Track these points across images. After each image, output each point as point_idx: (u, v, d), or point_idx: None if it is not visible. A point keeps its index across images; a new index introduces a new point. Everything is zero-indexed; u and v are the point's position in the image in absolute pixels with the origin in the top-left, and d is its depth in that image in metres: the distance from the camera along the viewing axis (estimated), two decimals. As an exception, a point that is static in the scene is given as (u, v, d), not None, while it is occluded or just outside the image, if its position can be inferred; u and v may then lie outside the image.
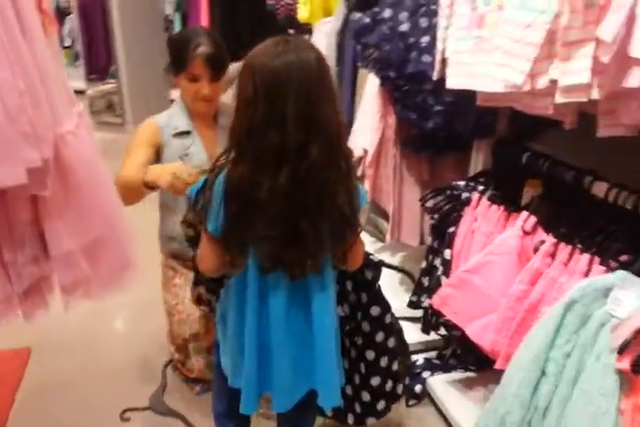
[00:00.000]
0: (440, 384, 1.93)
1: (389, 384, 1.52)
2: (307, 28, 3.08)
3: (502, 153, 1.79)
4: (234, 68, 1.78)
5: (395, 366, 1.51)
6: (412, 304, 1.96)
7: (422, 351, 2.10)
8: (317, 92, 1.06)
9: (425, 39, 1.78)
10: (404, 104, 1.96)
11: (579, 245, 1.36)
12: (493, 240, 1.61)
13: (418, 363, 2.01)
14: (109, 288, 1.41)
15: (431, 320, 1.86)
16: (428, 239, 1.94)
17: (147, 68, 4.79)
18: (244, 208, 1.11)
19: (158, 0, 4.95)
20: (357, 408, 1.53)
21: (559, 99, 1.22)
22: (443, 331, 1.88)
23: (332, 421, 1.64)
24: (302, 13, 3.04)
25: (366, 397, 1.51)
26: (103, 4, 5.28)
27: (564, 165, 1.52)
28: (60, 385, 2.04)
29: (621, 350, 1.07)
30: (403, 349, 1.61)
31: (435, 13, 1.67)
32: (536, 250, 1.45)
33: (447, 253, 1.77)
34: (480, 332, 1.56)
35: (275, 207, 1.09)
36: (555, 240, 1.41)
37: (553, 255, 1.41)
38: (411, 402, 1.92)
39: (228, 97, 1.96)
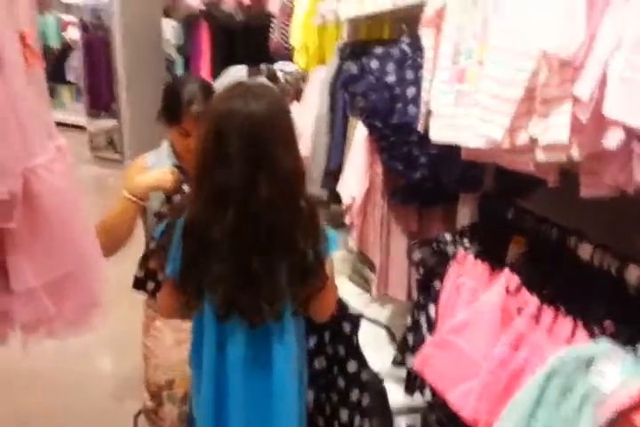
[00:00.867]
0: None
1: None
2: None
3: (488, 208, 1.74)
4: None
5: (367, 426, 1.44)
6: (396, 362, 1.86)
7: (407, 413, 1.99)
8: (267, 134, 1.07)
9: (411, 91, 1.79)
10: (391, 154, 1.94)
11: (562, 308, 1.29)
12: (478, 297, 1.55)
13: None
14: (75, 327, 1.34)
15: (415, 380, 1.77)
16: (416, 294, 1.87)
17: (147, 107, 4.85)
18: (198, 248, 1.11)
19: (161, 41, 5.10)
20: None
21: (540, 156, 1.19)
22: (428, 394, 1.78)
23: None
24: (299, 62, 3.15)
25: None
26: (108, 42, 5.42)
27: (548, 223, 1.47)
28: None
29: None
30: (382, 410, 1.53)
31: (421, 66, 1.67)
32: (519, 311, 1.39)
33: (432, 310, 1.70)
34: (462, 398, 1.47)
35: (225, 245, 1.08)
36: (538, 302, 1.34)
37: (537, 318, 1.34)
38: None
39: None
